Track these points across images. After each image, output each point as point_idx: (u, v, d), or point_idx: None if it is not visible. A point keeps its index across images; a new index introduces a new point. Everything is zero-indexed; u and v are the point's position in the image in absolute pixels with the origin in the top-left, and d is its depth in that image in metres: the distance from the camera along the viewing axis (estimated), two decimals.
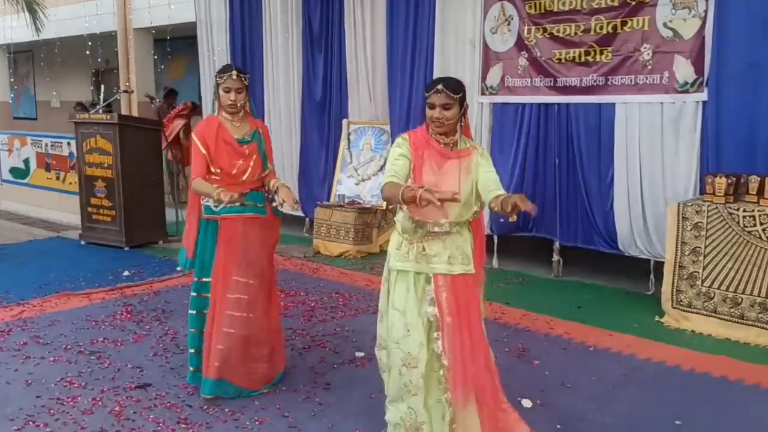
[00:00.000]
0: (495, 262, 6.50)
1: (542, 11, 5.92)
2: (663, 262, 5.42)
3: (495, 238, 6.51)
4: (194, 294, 3.77)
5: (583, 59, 5.72)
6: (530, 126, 6.13)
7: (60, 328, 4.69)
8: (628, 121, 5.52)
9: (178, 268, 4.54)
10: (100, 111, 7.73)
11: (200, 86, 9.34)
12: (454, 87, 2.83)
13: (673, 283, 4.84)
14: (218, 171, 3.60)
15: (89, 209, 7.51)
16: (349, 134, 7.57)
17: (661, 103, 5.34)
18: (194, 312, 3.77)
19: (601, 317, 5.01)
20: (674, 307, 4.85)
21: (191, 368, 3.82)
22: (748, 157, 4.95)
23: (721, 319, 4.64)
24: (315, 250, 7.18)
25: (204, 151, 3.58)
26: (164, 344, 4.44)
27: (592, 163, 5.77)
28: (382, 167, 7.19)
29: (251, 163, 3.66)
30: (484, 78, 6.40)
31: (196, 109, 9.61)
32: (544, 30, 5.93)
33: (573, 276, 6.14)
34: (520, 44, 6.10)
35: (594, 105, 5.71)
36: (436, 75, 6.58)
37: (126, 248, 7.28)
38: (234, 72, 3.60)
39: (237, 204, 3.48)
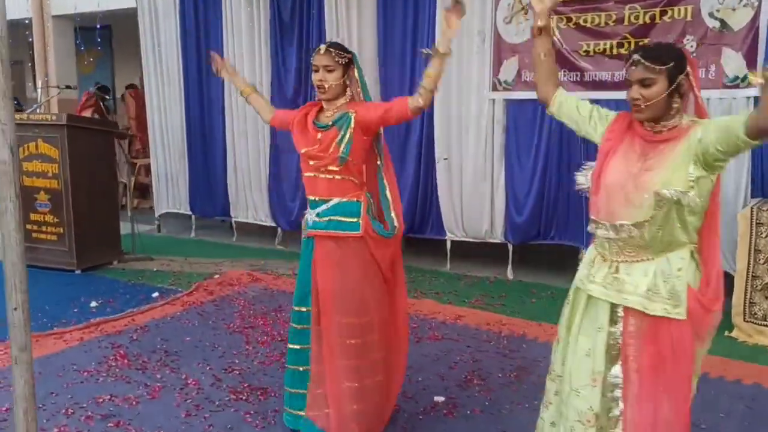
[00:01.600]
0: (510, 274, 5.99)
1: None
2: None
3: (510, 246, 5.98)
4: (294, 325, 3.14)
5: (615, 52, 5.27)
6: (552, 125, 5.62)
7: (47, 384, 3.70)
8: None
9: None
10: (40, 110, 6.58)
11: (143, 83, 8.26)
12: (658, 56, 2.15)
13: (745, 295, 4.46)
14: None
15: (28, 226, 6.34)
16: None
17: (708, 98, 4.96)
18: (296, 347, 3.12)
19: None
20: (747, 321, 4.47)
21: (287, 409, 3.20)
22: None
23: None
24: None
25: (292, 117, 3.09)
26: (191, 398, 3.58)
27: None
28: None
29: (325, 153, 2.90)
30: (496, 72, 5.84)
31: (105, 90, 8.66)
32: (569, 19, 5.44)
33: None
34: None
35: (625, 102, 5.26)
36: None
37: (78, 271, 6.19)
38: (323, 46, 2.92)
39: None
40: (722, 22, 4.86)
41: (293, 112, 3.14)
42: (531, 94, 5.59)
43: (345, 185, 2.94)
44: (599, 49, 5.33)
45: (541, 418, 2.56)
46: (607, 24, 5.28)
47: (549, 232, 5.82)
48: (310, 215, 3.02)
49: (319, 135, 2.93)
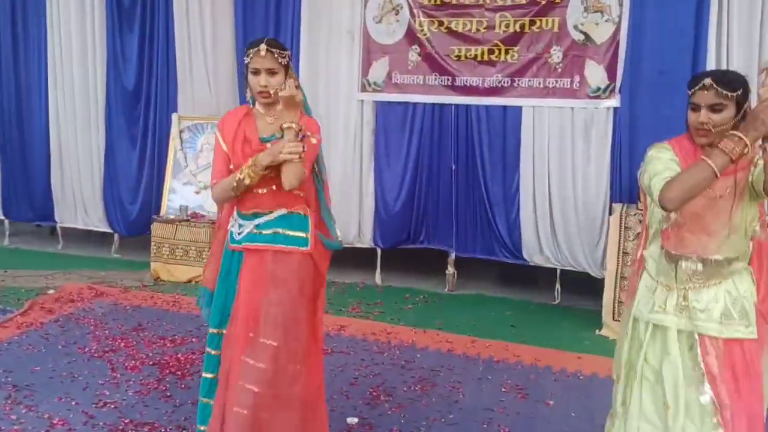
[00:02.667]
0: (379, 279, 5.87)
1: (438, 2, 5.41)
2: (570, 271, 5.38)
3: (378, 251, 5.86)
4: (210, 350, 2.71)
5: (486, 58, 5.35)
6: (423, 128, 5.59)
7: None
8: (535, 125, 5.29)
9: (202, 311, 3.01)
10: None
11: None
12: (729, 82, 2.14)
13: (614, 296, 4.71)
14: None
15: None
16: (180, 132, 6.24)
17: (572, 108, 5.20)
18: (209, 376, 2.71)
19: (543, 336, 4.70)
20: (615, 320, 4.72)
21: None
22: None
23: None
24: (154, 276, 5.78)
25: (226, 148, 2.60)
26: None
27: (495, 169, 5.44)
28: None
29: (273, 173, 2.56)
30: (365, 73, 5.68)
31: None
32: (441, 23, 5.43)
33: (468, 289, 5.77)
34: (411, 37, 5.52)
35: (498, 107, 5.38)
36: (303, 65, 5.71)
37: None
38: (263, 47, 2.53)
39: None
40: (586, 35, 5.11)
41: (228, 138, 2.65)
42: (401, 96, 5.62)
43: (289, 198, 2.63)
44: (471, 55, 5.37)
45: None
46: (478, 30, 5.34)
47: (419, 236, 5.78)
48: (243, 227, 2.65)
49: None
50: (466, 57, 5.38)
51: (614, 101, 5.08)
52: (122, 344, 4.21)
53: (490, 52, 5.33)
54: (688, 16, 4.86)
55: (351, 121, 5.74)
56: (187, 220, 5.82)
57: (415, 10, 5.47)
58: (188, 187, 6.16)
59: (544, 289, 5.60)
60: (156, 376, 3.74)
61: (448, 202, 5.62)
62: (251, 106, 2.70)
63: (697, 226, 2.21)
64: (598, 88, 5.12)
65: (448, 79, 5.46)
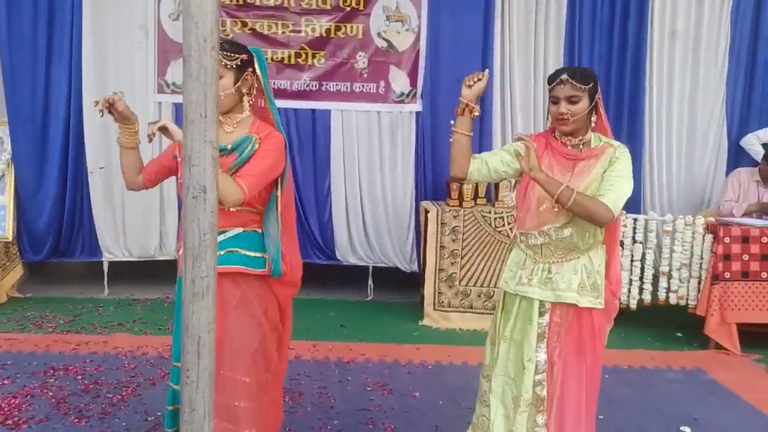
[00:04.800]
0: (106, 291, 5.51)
1: (241, 2, 5.26)
2: (383, 268, 5.64)
3: (105, 264, 5.50)
4: (173, 386, 2.48)
5: (294, 61, 5.34)
6: None
7: None
8: (344, 128, 5.43)
9: None
10: None
11: None
12: (582, 76, 2.43)
13: (434, 287, 5.04)
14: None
15: None
16: None
17: (378, 111, 5.43)
18: (170, 409, 2.51)
19: (374, 332, 4.86)
20: (436, 309, 5.06)
21: None
22: None
23: (476, 313, 5.06)
24: None
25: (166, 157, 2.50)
26: None
27: (307, 172, 5.47)
28: None
29: None
30: (162, 73, 5.30)
31: None
32: (245, 24, 5.29)
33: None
34: None
35: (307, 111, 5.41)
36: (86, 61, 5.20)
37: None
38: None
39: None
40: (389, 42, 5.38)
41: (170, 149, 2.48)
42: None
43: (244, 216, 2.41)
44: (277, 58, 5.32)
45: (482, 416, 2.65)
46: (284, 33, 5.31)
47: None
48: None
49: None
50: (273, 60, 5.31)
51: (417, 106, 5.43)
52: None
53: (297, 55, 5.33)
54: (476, 28, 5.39)
55: (142, 125, 5.29)
56: None
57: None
58: None
59: (355, 287, 5.76)
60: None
61: None
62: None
63: (526, 207, 2.55)
64: (402, 93, 5.42)
65: None
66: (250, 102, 2.48)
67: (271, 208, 2.46)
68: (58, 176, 5.28)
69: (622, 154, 2.46)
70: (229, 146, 2.38)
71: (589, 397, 2.53)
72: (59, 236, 5.37)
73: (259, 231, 2.47)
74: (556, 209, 2.43)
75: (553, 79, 2.46)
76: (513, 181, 4.96)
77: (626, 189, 2.42)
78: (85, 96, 5.21)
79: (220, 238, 2.39)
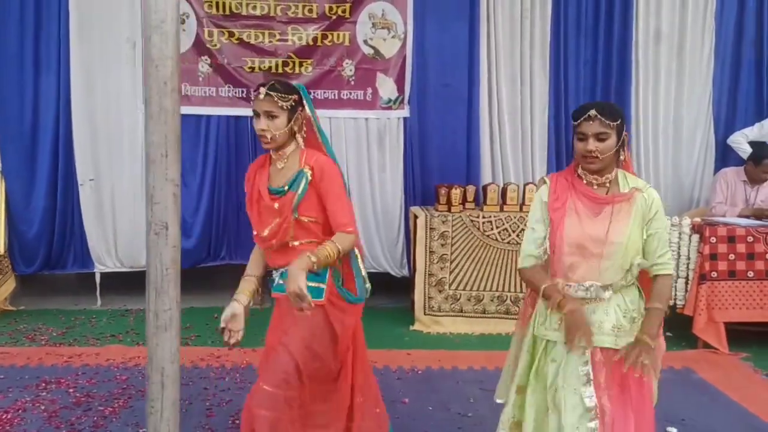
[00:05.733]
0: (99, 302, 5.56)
1: (226, 13, 5.29)
2: (374, 273, 5.65)
3: (97, 275, 5.53)
4: None
5: (281, 70, 5.37)
6: (218, 141, 5.43)
7: None
8: (333, 135, 5.45)
9: None
10: None
11: None
12: (611, 112, 2.32)
13: (424, 292, 5.07)
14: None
15: None
16: None
17: (366, 118, 5.47)
18: None
19: (366, 338, 4.87)
20: (426, 314, 5.09)
21: None
22: (447, 168, 5.52)
23: (466, 317, 5.10)
24: None
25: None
26: None
27: None
28: None
29: (283, 225, 2.48)
30: None
31: None
32: (231, 34, 5.32)
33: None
34: (200, 48, 5.32)
35: None
36: (74, 75, 5.22)
37: None
38: (262, 89, 2.45)
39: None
40: (376, 50, 5.41)
41: (248, 191, 2.63)
42: (193, 109, 5.41)
43: (306, 248, 2.48)
44: (265, 67, 5.35)
45: None
46: (271, 42, 5.34)
47: (220, 252, 5.60)
48: (275, 275, 2.60)
49: (276, 204, 2.48)
50: (260, 68, 5.35)
51: (404, 112, 5.47)
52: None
53: (285, 64, 5.37)
54: (462, 35, 5.44)
55: (136, 136, 5.33)
56: None
57: (203, 20, 5.28)
58: None
59: None
60: None
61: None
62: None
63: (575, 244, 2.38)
64: (390, 100, 5.46)
65: (242, 91, 5.37)
66: (303, 136, 2.58)
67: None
68: (48, 189, 5.31)
69: (658, 205, 2.39)
70: (285, 187, 2.50)
71: None
72: (50, 248, 5.39)
73: None
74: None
75: (580, 115, 2.34)
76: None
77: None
78: (74, 108, 5.24)
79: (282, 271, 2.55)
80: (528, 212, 2.76)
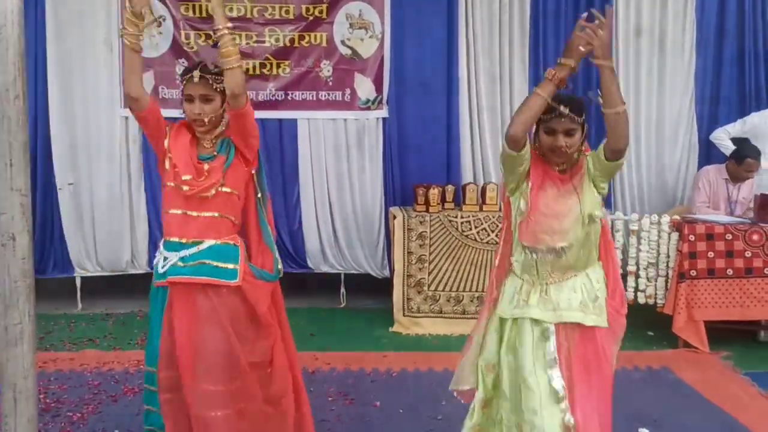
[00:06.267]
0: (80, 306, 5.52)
1: (203, 15, 5.28)
2: (356, 275, 5.64)
3: (78, 279, 5.51)
4: (148, 387, 2.58)
5: (258, 72, 5.35)
6: None
7: None
8: (311, 137, 5.45)
9: None
10: None
11: None
12: (579, 108, 2.35)
13: (403, 293, 5.04)
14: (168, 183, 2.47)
15: None
16: None
17: (345, 119, 5.45)
18: (153, 409, 2.58)
19: (343, 340, 4.88)
20: (405, 315, 5.06)
21: None
22: (427, 167, 5.48)
23: (446, 318, 5.07)
24: None
25: (168, 131, 2.56)
26: None
27: (275, 181, 5.46)
28: None
29: (212, 189, 2.43)
30: None
31: None
32: (208, 36, 5.30)
33: None
34: (178, 50, 5.31)
35: (274, 121, 5.42)
36: (51, 78, 5.24)
37: None
38: (196, 72, 2.42)
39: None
40: (353, 50, 5.39)
41: (173, 133, 2.56)
42: (171, 112, 5.20)
43: (221, 224, 2.48)
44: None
45: None
46: (248, 44, 5.32)
47: None
48: (166, 259, 2.47)
49: (206, 166, 2.45)
50: None
51: (383, 112, 5.44)
52: None
53: (262, 66, 5.35)
54: (441, 34, 5.41)
55: (115, 140, 5.34)
56: None
57: (179, 23, 5.27)
58: None
59: (328, 294, 5.76)
60: None
61: None
62: None
63: (546, 216, 2.44)
64: (368, 100, 5.43)
65: None
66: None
67: (260, 213, 2.62)
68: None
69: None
70: (214, 153, 2.49)
71: (602, 424, 2.43)
72: None
73: (232, 243, 2.53)
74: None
75: (549, 110, 2.34)
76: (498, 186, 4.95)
77: None
78: (51, 112, 5.24)
79: (193, 250, 2.46)
80: None
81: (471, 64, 5.46)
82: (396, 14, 5.35)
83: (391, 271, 5.35)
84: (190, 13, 5.27)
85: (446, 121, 5.46)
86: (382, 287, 5.63)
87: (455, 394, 2.78)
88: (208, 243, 2.49)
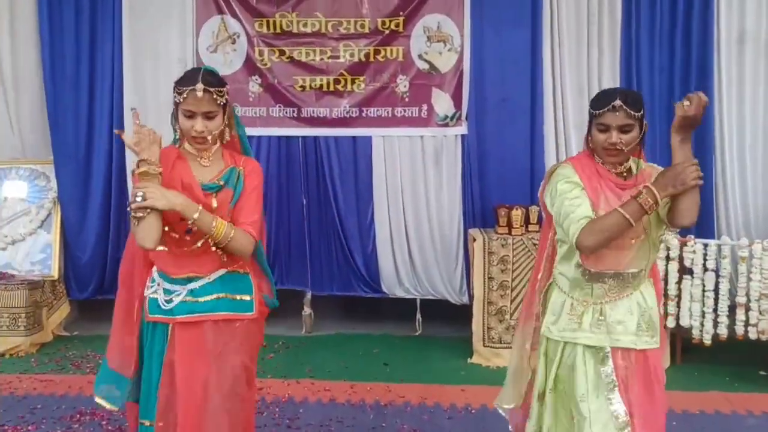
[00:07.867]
0: None
1: (277, 31, 5.14)
2: (433, 300, 5.33)
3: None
4: None
5: (332, 88, 5.16)
6: (269, 162, 5.24)
7: None
8: (387, 155, 5.20)
9: (101, 401, 2.46)
10: None
11: None
12: (635, 102, 2.18)
13: (483, 321, 4.70)
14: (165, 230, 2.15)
15: None
16: None
17: (421, 136, 5.18)
18: None
19: (418, 370, 4.57)
20: (486, 346, 4.71)
21: None
22: (509, 187, 5.12)
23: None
24: None
25: None
26: None
27: (349, 201, 5.26)
28: (43, 223, 5.27)
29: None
30: None
31: None
32: (282, 52, 5.16)
33: (325, 329, 5.48)
34: (251, 67, 5.19)
35: (348, 138, 5.22)
36: (126, 97, 5.17)
37: None
38: (199, 85, 2.15)
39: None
40: (431, 64, 5.13)
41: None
42: (249, 131, 5.21)
43: (228, 256, 2.27)
44: (316, 85, 5.16)
45: None
46: (322, 60, 5.15)
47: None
48: (171, 292, 2.24)
49: (214, 203, 2.22)
50: (311, 87, 5.16)
51: (462, 128, 5.14)
52: None
53: (336, 81, 5.16)
54: (524, 45, 5.06)
55: None
56: None
57: (253, 39, 5.15)
58: None
59: (404, 321, 5.48)
60: None
61: (301, 239, 5.33)
62: (178, 146, 2.34)
63: (614, 244, 2.23)
64: (446, 116, 5.15)
65: (293, 111, 5.20)
66: (232, 134, 2.37)
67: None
68: (100, 213, 5.27)
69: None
70: (221, 182, 2.26)
71: None
72: (104, 273, 5.34)
73: (240, 270, 2.32)
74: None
75: (602, 105, 2.18)
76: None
77: None
78: (127, 131, 5.18)
79: (202, 282, 2.25)
80: None
81: (556, 76, 5.09)
82: (476, 25, 5.07)
83: (470, 297, 5.00)
84: (264, 29, 5.14)
85: (530, 138, 5.10)
86: (461, 315, 5.28)
87: (501, 411, 2.71)
88: (220, 273, 2.27)
